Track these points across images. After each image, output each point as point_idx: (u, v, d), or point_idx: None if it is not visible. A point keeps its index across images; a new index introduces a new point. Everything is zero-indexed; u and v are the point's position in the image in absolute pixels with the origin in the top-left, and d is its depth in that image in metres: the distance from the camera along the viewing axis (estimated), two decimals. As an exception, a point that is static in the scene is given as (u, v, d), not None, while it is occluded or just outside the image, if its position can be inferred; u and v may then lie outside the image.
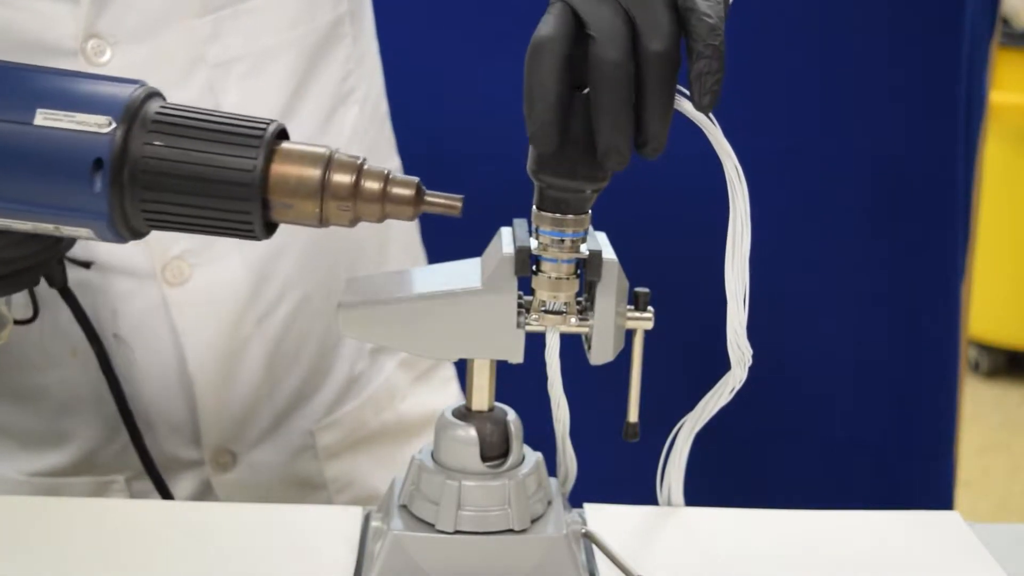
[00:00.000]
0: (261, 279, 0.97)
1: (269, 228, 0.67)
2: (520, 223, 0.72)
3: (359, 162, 0.66)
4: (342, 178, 0.65)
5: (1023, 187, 3.21)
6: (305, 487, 1.06)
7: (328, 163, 0.65)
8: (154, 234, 0.69)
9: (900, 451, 1.55)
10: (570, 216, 0.68)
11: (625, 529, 0.79)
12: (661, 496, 0.82)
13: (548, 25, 0.62)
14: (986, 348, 3.45)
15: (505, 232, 0.72)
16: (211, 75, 0.91)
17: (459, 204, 0.67)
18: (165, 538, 0.78)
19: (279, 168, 0.65)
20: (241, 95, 0.93)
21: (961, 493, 1.73)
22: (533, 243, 0.69)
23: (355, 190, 0.65)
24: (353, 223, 0.66)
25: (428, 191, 0.67)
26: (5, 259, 0.70)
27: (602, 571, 0.74)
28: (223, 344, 0.96)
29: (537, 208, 0.68)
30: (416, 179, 0.66)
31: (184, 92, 0.90)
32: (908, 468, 1.55)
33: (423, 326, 0.70)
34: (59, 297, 0.82)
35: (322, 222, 0.66)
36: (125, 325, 0.93)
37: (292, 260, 0.98)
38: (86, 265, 0.90)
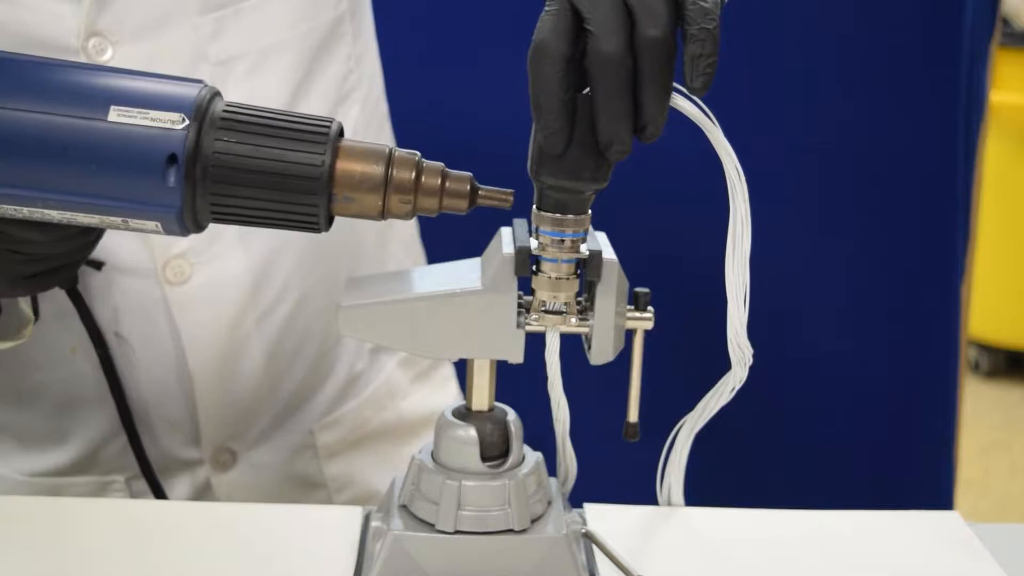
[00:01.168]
0: (261, 278, 0.97)
1: (329, 221, 0.69)
2: (520, 223, 0.72)
3: (417, 158, 0.68)
4: (404, 173, 0.67)
5: (1023, 187, 3.20)
6: (305, 486, 1.06)
7: (390, 159, 0.67)
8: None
9: (900, 451, 1.54)
10: (570, 216, 0.68)
11: (625, 529, 0.79)
12: (661, 496, 0.82)
13: (547, 26, 0.63)
14: (986, 348, 3.45)
15: (505, 232, 0.72)
16: (212, 73, 0.91)
17: (510, 198, 0.69)
18: (165, 538, 0.78)
19: (344, 164, 0.67)
20: (242, 93, 0.93)
21: (961, 493, 1.73)
22: (533, 243, 0.69)
23: (416, 184, 0.68)
24: (411, 215, 0.68)
25: (481, 186, 0.69)
26: (43, 255, 0.71)
27: (602, 571, 0.74)
28: (223, 343, 0.96)
29: (537, 208, 0.68)
30: (470, 174, 0.69)
31: (185, 91, 0.90)
32: (908, 468, 1.54)
33: (423, 326, 0.70)
34: (59, 296, 0.82)
35: (383, 215, 0.68)
36: (126, 324, 0.93)
37: (292, 259, 0.98)
38: (98, 266, 0.90)
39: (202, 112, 0.66)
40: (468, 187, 0.68)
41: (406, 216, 0.68)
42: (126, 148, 0.65)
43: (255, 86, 0.93)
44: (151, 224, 0.67)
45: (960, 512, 0.83)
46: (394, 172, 0.67)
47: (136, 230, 0.68)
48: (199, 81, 0.68)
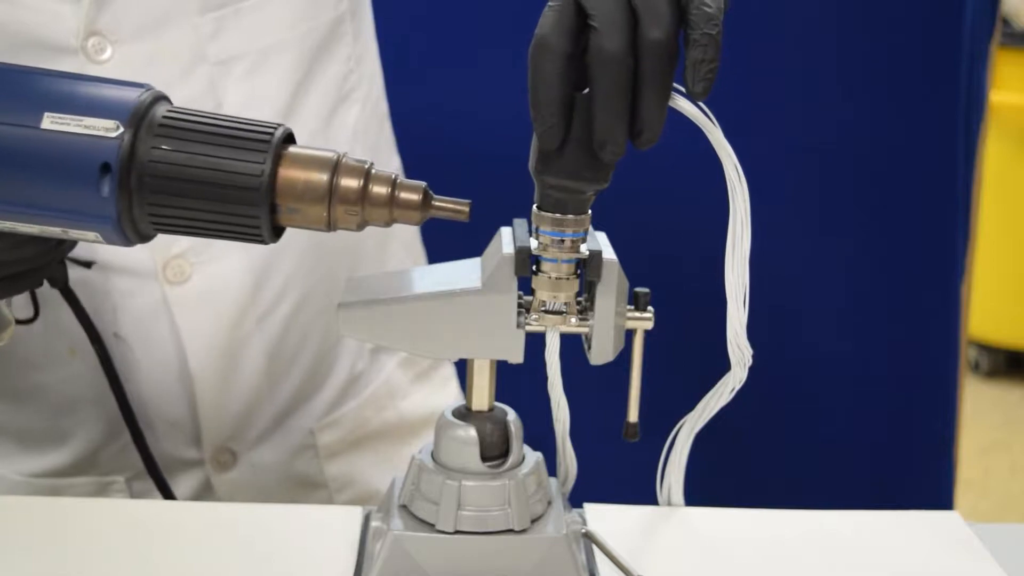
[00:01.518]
0: (261, 278, 0.97)
1: (276, 232, 0.66)
2: (520, 223, 0.72)
3: (367, 166, 0.65)
4: (350, 182, 0.65)
5: (1023, 187, 3.20)
6: (305, 486, 1.06)
7: (336, 167, 0.65)
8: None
9: (900, 451, 1.54)
10: (570, 216, 0.68)
11: (625, 529, 0.79)
12: (661, 496, 0.82)
13: (549, 21, 0.62)
14: (986, 348, 3.45)
15: (505, 232, 0.72)
16: (212, 73, 0.91)
17: (466, 209, 0.67)
18: (165, 538, 0.78)
19: (287, 173, 0.64)
20: (242, 93, 0.93)
21: (961, 493, 1.73)
22: (533, 243, 0.69)
23: (363, 194, 0.65)
24: (361, 227, 0.66)
25: (435, 196, 0.67)
26: (7, 261, 0.70)
27: (602, 571, 0.74)
28: (223, 343, 0.96)
29: (537, 208, 0.68)
30: (423, 184, 0.66)
31: (185, 90, 0.90)
32: (908, 468, 1.54)
33: (423, 326, 0.70)
34: (59, 296, 0.82)
35: (330, 226, 0.65)
36: (126, 324, 0.93)
37: (292, 260, 0.98)
38: (87, 265, 0.90)
39: (139, 118, 0.64)
40: (420, 197, 0.66)
41: (355, 228, 0.66)
42: (59, 157, 0.63)
43: (255, 86, 0.93)
44: (90, 234, 0.65)
45: (960, 512, 0.83)
46: (340, 181, 0.64)
47: (77, 239, 0.67)
48: (143, 85, 0.66)
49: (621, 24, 0.62)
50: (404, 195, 0.66)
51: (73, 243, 0.75)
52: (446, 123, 1.46)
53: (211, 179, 0.63)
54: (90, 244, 0.89)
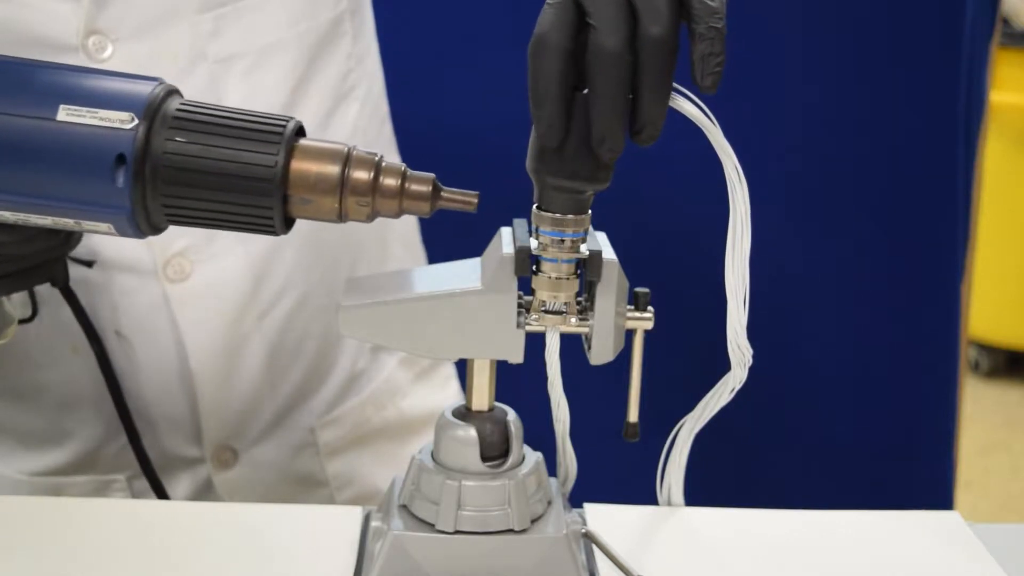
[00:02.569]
0: (262, 276, 0.97)
1: (288, 223, 0.67)
2: (520, 223, 0.72)
3: (376, 159, 0.66)
4: (361, 174, 0.66)
5: (1023, 187, 3.20)
6: (306, 484, 1.06)
7: (347, 160, 0.66)
8: None
9: (900, 451, 1.54)
10: (570, 216, 0.68)
11: (625, 529, 0.79)
12: (661, 496, 0.82)
13: (549, 19, 0.62)
14: (986, 348, 3.45)
15: (505, 232, 0.72)
16: (212, 71, 0.91)
17: (475, 200, 0.68)
18: (165, 538, 0.78)
19: (299, 165, 0.65)
20: (242, 92, 0.93)
21: (961, 493, 1.73)
22: (533, 243, 0.69)
23: (374, 186, 0.66)
24: (371, 218, 0.67)
25: (444, 187, 0.68)
26: (14, 256, 0.71)
27: (602, 571, 0.74)
28: (224, 341, 0.96)
29: (537, 208, 0.68)
30: (432, 175, 0.67)
31: (185, 89, 0.89)
32: (908, 468, 1.54)
33: (423, 326, 0.70)
34: (59, 294, 0.82)
35: (341, 217, 0.67)
36: (126, 322, 0.93)
37: (292, 258, 0.98)
38: (88, 264, 0.90)
39: (153, 111, 0.65)
40: (429, 189, 0.67)
41: (365, 219, 0.67)
42: (75, 148, 0.64)
43: (254, 85, 0.94)
44: (103, 226, 0.66)
45: (960, 512, 0.83)
46: (351, 173, 0.66)
47: (90, 231, 0.67)
48: (155, 79, 0.67)
49: (620, 21, 0.62)
50: (414, 186, 0.67)
51: (76, 241, 0.76)
52: (446, 123, 1.46)
53: (225, 170, 0.64)
54: (91, 241, 0.90)
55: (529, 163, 0.67)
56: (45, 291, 0.80)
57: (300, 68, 0.96)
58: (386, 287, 0.73)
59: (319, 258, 1.00)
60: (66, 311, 0.84)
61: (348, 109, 1.01)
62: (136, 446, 0.92)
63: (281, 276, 0.98)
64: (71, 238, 0.75)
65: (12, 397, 0.98)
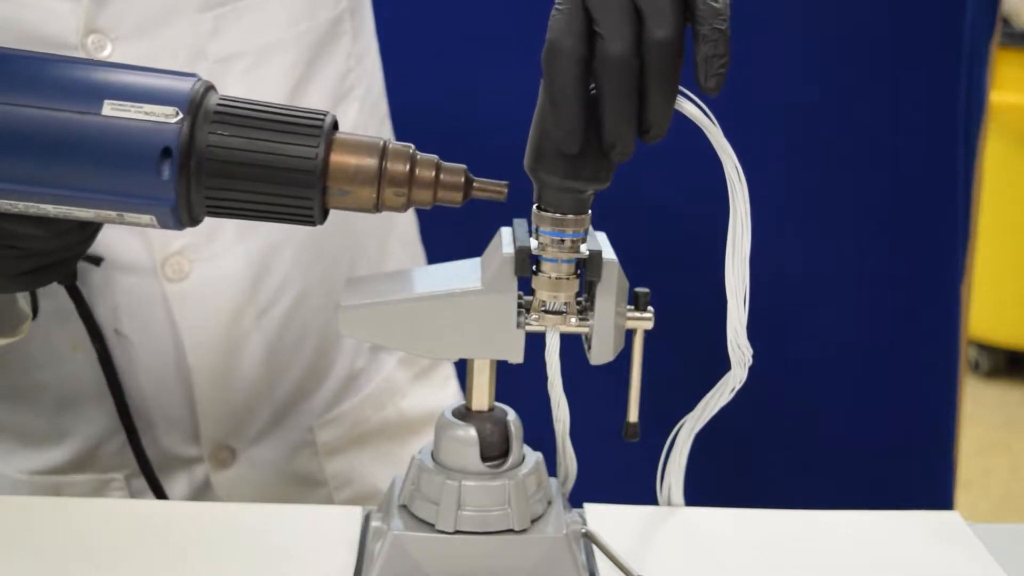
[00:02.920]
0: (260, 275, 0.97)
1: (324, 214, 0.69)
2: (520, 223, 0.72)
3: (411, 151, 0.68)
4: (398, 166, 0.67)
5: (1023, 187, 3.20)
6: (305, 484, 1.06)
7: (383, 152, 0.67)
8: (155, 231, 0.69)
9: (900, 451, 1.54)
10: (570, 216, 0.68)
11: (625, 529, 0.79)
12: (661, 496, 0.82)
13: (560, 25, 0.62)
14: (986, 348, 3.45)
15: (505, 232, 0.72)
16: (212, 71, 0.91)
17: (505, 190, 0.69)
18: (165, 538, 0.78)
19: (338, 157, 0.67)
20: (242, 91, 0.92)
21: (961, 493, 1.73)
22: (533, 243, 0.69)
23: (410, 177, 0.68)
24: (405, 208, 0.69)
25: (476, 178, 0.69)
26: (39, 251, 0.71)
27: (602, 571, 0.74)
28: (222, 340, 0.96)
29: (537, 208, 0.68)
30: (464, 166, 0.69)
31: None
32: (908, 468, 1.54)
33: (423, 326, 0.70)
34: (61, 292, 0.82)
35: (377, 208, 0.68)
36: (125, 321, 0.93)
37: (291, 256, 0.98)
38: (97, 262, 0.90)
39: (196, 105, 0.66)
40: (463, 179, 0.69)
41: (400, 209, 0.69)
42: (120, 142, 0.65)
43: (254, 84, 0.93)
44: (146, 218, 0.67)
45: (960, 512, 0.83)
46: (388, 165, 0.67)
47: (131, 224, 0.68)
48: (193, 75, 0.68)
49: (625, 28, 0.62)
50: (448, 177, 0.68)
51: (93, 239, 0.76)
52: (446, 123, 1.46)
53: (268, 163, 0.66)
54: (95, 241, 0.89)
55: (528, 162, 0.67)
56: (47, 289, 0.80)
57: (300, 68, 0.96)
58: (386, 287, 0.73)
59: (318, 257, 1.00)
60: (65, 309, 0.84)
61: (348, 108, 1.01)
62: (135, 445, 0.92)
63: (280, 275, 0.98)
64: (90, 238, 0.75)
65: (11, 396, 0.98)
